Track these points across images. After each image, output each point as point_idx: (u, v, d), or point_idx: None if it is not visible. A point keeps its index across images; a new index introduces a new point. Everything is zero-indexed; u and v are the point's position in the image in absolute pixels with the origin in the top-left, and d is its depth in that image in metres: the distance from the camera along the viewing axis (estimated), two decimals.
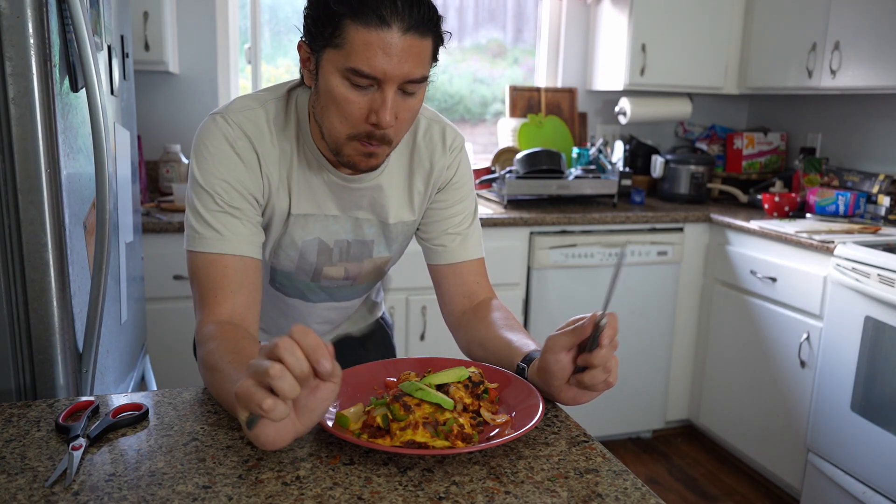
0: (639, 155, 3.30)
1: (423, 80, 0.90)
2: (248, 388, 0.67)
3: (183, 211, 2.38)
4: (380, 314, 1.43)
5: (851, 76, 2.59)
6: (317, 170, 1.04)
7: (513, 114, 3.22)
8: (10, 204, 1.05)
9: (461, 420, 0.82)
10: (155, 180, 2.78)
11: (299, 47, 0.95)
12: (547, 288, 2.71)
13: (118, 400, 0.93)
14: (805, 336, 2.42)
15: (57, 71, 1.08)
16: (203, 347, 0.91)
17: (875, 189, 2.75)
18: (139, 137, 2.49)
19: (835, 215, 2.73)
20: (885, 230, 2.46)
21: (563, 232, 2.70)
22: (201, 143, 0.99)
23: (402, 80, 0.88)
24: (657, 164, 3.11)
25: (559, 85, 3.31)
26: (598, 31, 3.19)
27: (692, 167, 3.09)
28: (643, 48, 2.97)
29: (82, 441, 0.79)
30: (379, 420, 0.81)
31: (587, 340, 0.86)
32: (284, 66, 3.06)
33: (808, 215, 2.76)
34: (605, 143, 3.14)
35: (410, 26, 0.86)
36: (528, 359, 0.96)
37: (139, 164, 2.34)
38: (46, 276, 1.08)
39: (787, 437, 2.53)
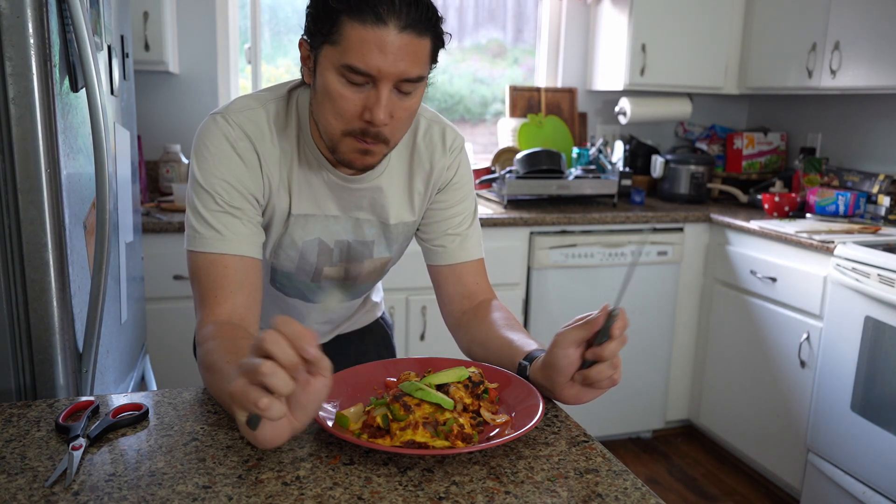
0: (639, 155, 3.30)
1: (420, 79, 0.90)
2: (242, 387, 0.67)
3: (183, 211, 2.38)
4: (380, 314, 1.43)
5: (851, 76, 2.59)
6: (317, 170, 1.04)
7: (513, 114, 3.22)
8: (10, 204, 1.05)
9: (461, 420, 0.82)
10: (155, 180, 2.78)
11: (300, 45, 0.95)
12: (547, 288, 2.71)
13: (118, 400, 0.93)
14: (805, 336, 2.42)
15: (57, 71, 1.08)
16: (202, 347, 0.91)
17: (875, 189, 2.75)
18: (139, 137, 2.49)
19: (835, 215, 2.73)
20: (885, 230, 2.46)
21: (563, 232, 2.70)
22: (202, 142, 0.99)
23: (397, 79, 0.88)
24: (657, 164, 3.11)
25: (559, 85, 3.31)
26: (598, 31, 3.19)
27: (692, 167, 3.09)
28: (643, 48, 2.97)
29: (82, 441, 0.79)
30: (379, 420, 0.81)
31: (595, 336, 0.85)
32: (284, 66, 3.06)
33: (808, 215, 2.76)
34: (605, 143, 3.14)
35: (407, 25, 0.86)
36: (529, 357, 0.96)
37: (139, 164, 2.34)
38: (46, 276, 1.08)
39: (787, 437, 2.53)
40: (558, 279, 2.72)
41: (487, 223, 2.57)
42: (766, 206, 2.83)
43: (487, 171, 3.05)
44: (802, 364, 2.45)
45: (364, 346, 1.39)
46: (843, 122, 3.06)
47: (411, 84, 0.90)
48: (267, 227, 1.06)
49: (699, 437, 3.06)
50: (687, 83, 3.10)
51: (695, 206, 3.02)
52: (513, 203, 2.85)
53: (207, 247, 0.97)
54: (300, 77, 1.01)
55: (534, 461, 0.80)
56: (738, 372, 2.76)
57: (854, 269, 2.18)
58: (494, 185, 2.90)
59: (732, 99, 3.53)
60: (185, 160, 2.68)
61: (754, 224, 2.62)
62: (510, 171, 2.86)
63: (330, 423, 0.83)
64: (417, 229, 1.17)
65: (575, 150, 3.16)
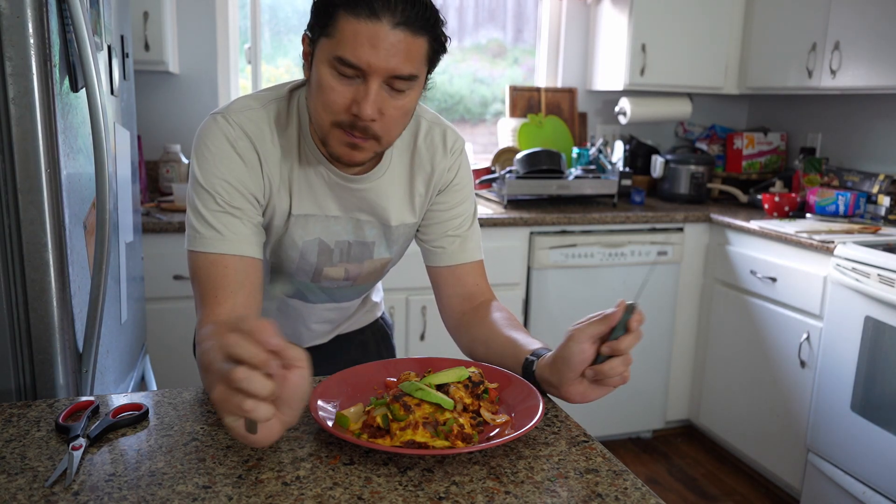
0: (639, 155, 3.30)
1: (411, 78, 0.90)
2: (222, 394, 0.67)
3: (183, 211, 2.38)
4: (380, 314, 1.43)
5: (851, 76, 2.59)
6: (318, 170, 1.04)
7: (513, 114, 3.22)
8: (10, 204, 1.05)
9: (461, 420, 0.82)
10: (155, 180, 2.78)
11: (303, 39, 0.95)
12: (547, 288, 2.72)
13: (118, 400, 0.93)
14: (805, 336, 2.42)
15: (57, 71, 1.08)
16: (201, 347, 0.91)
17: (875, 189, 2.75)
18: (139, 137, 2.49)
19: (835, 215, 2.73)
20: (885, 230, 2.46)
21: (563, 232, 2.70)
22: (202, 142, 0.99)
23: (387, 75, 0.88)
24: (657, 164, 3.11)
25: (559, 85, 3.31)
26: (598, 31, 3.19)
27: (692, 167, 3.09)
28: (643, 48, 2.97)
29: (82, 441, 0.79)
30: (379, 420, 0.81)
31: (609, 332, 0.86)
32: (284, 66, 3.06)
33: (808, 215, 2.76)
34: (605, 143, 3.14)
35: (401, 22, 0.86)
36: (536, 353, 0.96)
37: (139, 164, 2.34)
38: (46, 276, 1.08)
39: (787, 437, 2.53)
40: (558, 279, 2.72)
41: (487, 223, 2.57)
42: (766, 206, 2.83)
43: (487, 171, 3.05)
44: (802, 364, 2.44)
45: (364, 346, 1.39)
46: (843, 122, 3.06)
47: (404, 82, 0.90)
48: (267, 227, 1.06)
49: (699, 437, 3.06)
50: (687, 83, 3.10)
51: (695, 206, 3.02)
52: (513, 203, 2.85)
53: (208, 247, 0.97)
54: (301, 77, 1.02)
55: (534, 461, 0.80)
56: (738, 372, 2.76)
57: (854, 269, 2.18)
58: (494, 185, 2.90)
59: (732, 99, 3.53)
60: (185, 160, 2.68)
61: (754, 224, 2.62)
62: (510, 171, 2.86)
63: (330, 423, 0.83)
64: (417, 230, 1.17)
65: (575, 150, 3.16)
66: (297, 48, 3.04)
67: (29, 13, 1.01)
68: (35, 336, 1.10)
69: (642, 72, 2.99)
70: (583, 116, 3.35)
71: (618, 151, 3.09)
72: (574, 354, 0.87)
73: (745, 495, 2.64)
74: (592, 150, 3.10)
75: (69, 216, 1.12)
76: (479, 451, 0.81)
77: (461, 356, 1.09)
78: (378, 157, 1.07)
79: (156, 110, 2.79)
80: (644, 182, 3.24)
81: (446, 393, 0.87)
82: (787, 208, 2.79)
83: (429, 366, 0.98)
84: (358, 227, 1.10)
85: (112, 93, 1.46)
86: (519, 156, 2.89)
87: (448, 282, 1.15)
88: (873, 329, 2.14)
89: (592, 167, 3.02)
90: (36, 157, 1.04)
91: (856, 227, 2.52)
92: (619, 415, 2.94)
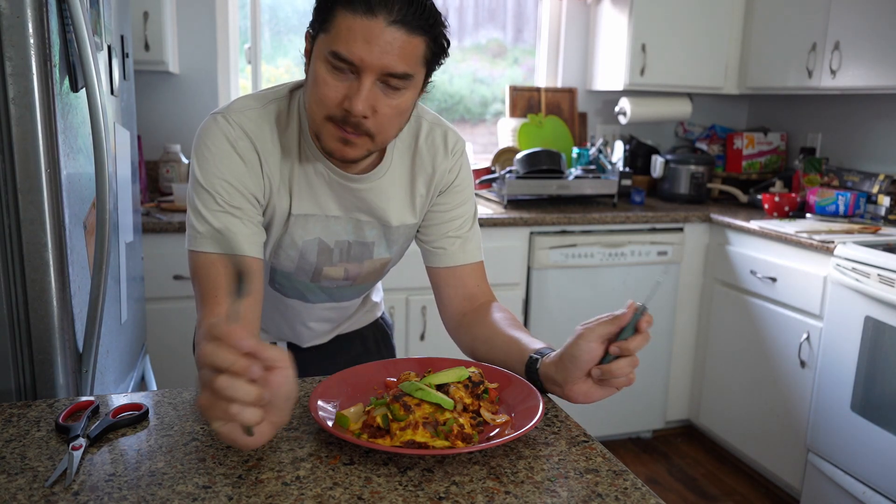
0: (639, 155, 3.30)
1: (406, 77, 0.90)
2: (207, 401, 0.67)
3: (183, 211, 2.39)
4: (379, 314, 1.43)
5: (851, 76, 2.59)
6: (318, 170, 1.04)
7: (513, 114, 3.22)
8: (10, 204, 1.05)
9: (461, 420, 0.82)
10: (155, 180, 2.78)
11: (305, 37, 0.95)
12: (547, 288, 2.72)
13: (118, 400, 0.93)
14: (805, 336, 2.42)
15: (57, 71, 1.08)
16: (200, 347, 0.91)
17: (875, 189, 2.75)
18: (139, 137, 2.49)
19: (835, 215, 2.73)
20: (885, 230, 2.46)
21: (563, 232, 2.70)
22: (202, 142, 0.99)
23: (380, 72, 0.88)
24: (657, 164, 3.11)
25: (559, 85, 3.31)
26: (598, 31, 3.19)
27: (692, 167, 3.09)
28: (643, 48, 2.97)
29: (82, 441, 0.79)
30: (379, 420, 0.81)
31: (618, 333, 0.86)
32: (284, 66, 3.06)
33: (808, 215, 2.76)
34: (605, 143, 3.14)
35: (397, 20, 0.86)
36: (540, 352, 0.96)
37: (139, 164, 2.34)
38: (46, 276, 1.08)
39: (787, 437, 2.53)
40: (558, 279, 2.72)
41: (487, 223, 2.57)
42: (766, 206, 2.83)
43: (487, 171, 3.05)
44: (802, 364, 2.44)
45: (364, 346, 1.39)
46: (843, 122, 3.06)
47: (398, 81, 0.90)
48: (267, 227, 1.07)
49: (699, 437, 3.06)
50: (687, 83, 3.10)
51: (695, 206, 3.02)
52: (513, 203, 2.85)
53: (207, 246, 0.97)
54: (301, 78, 1.02)
55: (534, 461, 0.80)
56: (738, 372, 2.76)
57: (854, 269, 2.18)
58: (494, 185, 2.90)
59: (732, 99, 3.53)
60: (185, 160, 2.68)
61: (754, 224, 2.62)
62: (510, 171, 2.86)
63: (330, 423, 0.83)
64: (417, 231, 1.17)
65: (575, 150, 3.16)
66: (297, 48, 3.04)
67: (29, 13, 1.01)
68: (35, 336, 1.10)
69: (642, 72, 2.99)
70: (583, 116, 3.35)
71: (618, 151, 3.09)
72: (583, 353, 0.87)
73: (745, 495, 2.64)
74: (592, 150, 3.10)
75: (69, 216, 1.12)
76: (479, 451, 0.81)
77: (461, 356, 1.09)
78: (379, 158, 1.07)
79: (156, 110, 2.79)
80: (644, 182, 3.24)
81: (446, 393, 0.87)
82: (787, 208, 2.79)
83: (429, 366, 0.98)
84: (358, 227, 1.10)
85: (112, 93, 1.46)
86: (519, 156, 2.89)
87: (449, 283, 1.15)
88: (873, 329, 2.14)
89: (592, 167, 3.02)
90: (36, 157, 1.04)
91: (856, 227, 2.52)
92: (619, 415, 2.94)
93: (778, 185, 3.11)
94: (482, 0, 3.27)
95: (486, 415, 0.88)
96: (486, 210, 2.69)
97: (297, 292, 1.19)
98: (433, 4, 0.90)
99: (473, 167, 2.97)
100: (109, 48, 1.43)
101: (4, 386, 1.11)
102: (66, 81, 1.14)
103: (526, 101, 3.24)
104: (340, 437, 0.78)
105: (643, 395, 2.94)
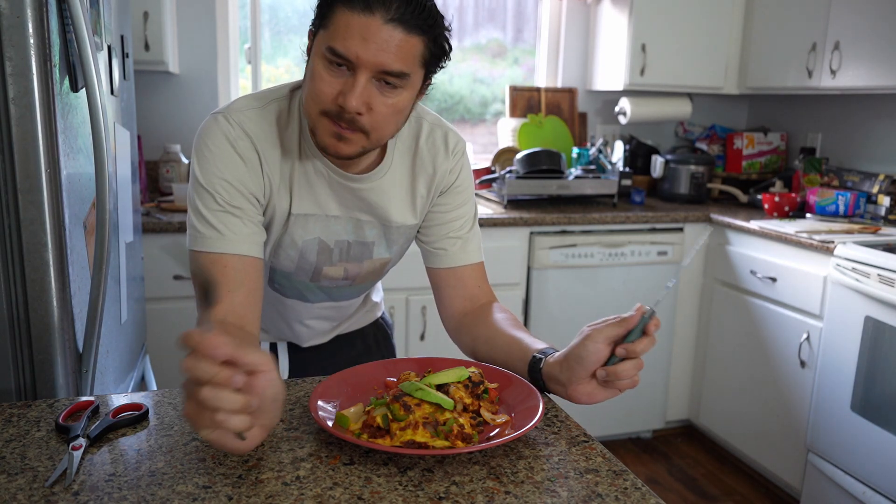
0: (639, 155, 3.30)
1: (402, 76, 0.90)
2: (193, 410, 0.67)
3: (183, 211, 2.39)
4: (379, 314, 1.43)
5: (851, 76, 2.59)
6: (319, 169, 1.04)
7: (513, 114, 3.22)
8: (10, 204, 1.05)
9: (461, 420, 0.82)
10: (155, 180, 2.78)
11: (308, 34, 0.96)
12: (547, 288, 2.71)
13: (118, 400, 0.93)
14: (805, 336, 2.42)
15: (57, 71, 1.08)
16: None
17: (875, 189, 2.75)
18: (139, 137, 2.49)
19: (835, 215, 2.73)
20: (885, 230, 2.46)
21: (563, 232, 2.70)
22: (202, 142, 0.99)
23: (376, 69, 0.88)
24: (657, 164, 3.11)
25: (559, 85, 3.31)
26: (598, 31, 3.19)
27: (692, 167, 3.09)
28: (643, 48, 2.97)
29: (82, 441, 0.79)
30: (379, 420, 0.81)
31: (625, 334, 0.87)
32: (284, 66, 3.06)
33: (808, 215, 2.76)
34: (605, 143, 3.14)
35: (395, 18, 0.86)
36: (542, 352, 0.96)
37: (139, 164, 2.34)
38: (46, 276, 1.08)
39: (787, 437, 2.53)
40: (558, 279, 2.72)
41: (487, 223, 2.57)
42: (766, 206, 2.83)
43: (487, 171, 3.05)
44: (802, 364, 2.45)
45: (364, 346, 1.39)
46: (843, 122, 3.06)
47: (394, 79, 0.90)
48: (267, 227, 1.07)
49: (699, 437, 3.06)
50: (687, 83, 3.10)
51: (695, 206, 3.02)
52: (513, 203, 2.85)
53: (208, 246, 0.97)
54: (301, 77, 1.02)
55: (534, 461, 0.80)
56: (738, 372, 2.76)
57: (854, 269, 2.18)
58: (494, 185, 2.90)
59: (732, 99, 3.53)
60: (185, 160, 2.68)
61: (754, 224, 2.62)
62: (510, 171, 2.86)
63: (330, 423, 0.83)
64: (418, 232, 1.17)
65: (575, 150, 3.16)
66: (297, 48, 3.04)
67: (29, 13, 1.01)
68: (35, 336, 1.10)
69: (642, 72, 2.99)
70: (583, 116, 3.35)
71: (618, 151, 3.09)
72: (590, 353, 0.87)
73: (745, 495, 2.64)
74: (592, 150, 3.10)
75: (69, 216, 1.12)
76: (479, 451, 0.81)
77: (461, 356, 1.09)
78: (379, 158, 1.07)
79: (156, 110, 2.79)
80: (644, 182, 3.24)
81: (446, 393, 0.87)
82: (787, 208, 2.79)
83: (429, 366, 0.98)
84: (358, 227, 1.10)
85: (112, 93, 1.46)
86: (519, 156, 2.89)
87: (449, 283, 1.15)
88: (873, 329, 2.14)
89: (592, 167, 3.02)
90: (36, 157, 1.04)
91: (856, 227, 2.52)
92: (619, 415, 2.94)
93: (778, 185, 3.11)
94: (482, 0, 3.27)
95: (486, 415, 0.88)
96: (486, 210, 2.69)
97: (297, 292, 1.19)
98: (434, 6, 0.90)
99: (473, 167, 2.97)
100: (109, 48, 1.43)
101: (4, 386, 1.11)
102: (66, 81, 1.14)
103: (526, 101, 3.24)
104: (340, 437, 0.78)
105: (643, 395, 2.94)
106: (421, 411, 0.81)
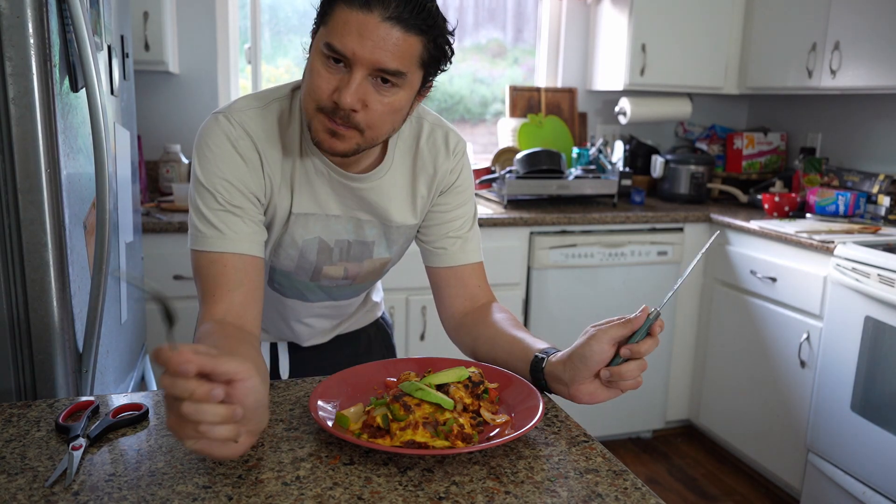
0: (639, 155, 3.30)
1: (398, 74, 0.90)
2: (174, 423, 0.66)
3: (183, 211, 2.39)
4: (380, 314, 1.43)
5: (851, 76, 2.59)
6: (319, 169, 1.04)
7: (513, 114, 3.22)
8: (10, 204, 1.05)
9: (461, 420, 0.82)
10: (155, 180, 2.78)
11: (311, 34, 0.96)
12: (547, 288, 2.71)
13: (118, 400, 0.93)
14: (805, 336, 2.42)
15: (57, 71, 1.08)
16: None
17: (875, 189, 2.75)
18: (139, 137, 2.49)
19: (835, 215, 2.73)
20: (885, 230, 2.46)
21: (563, 232, 2.70)
22: (203, 142, 0.99)
23: (372, 67, 0.88)
24: (657, 164, 3.11)
25: (559, 85, 3.31)
26: (598, 31, 3.19)
27: (692, 167, 3.09)
28: (643, 48, 2.97)
29: (82, 441, 0.79)
30: (379, 420, 0.81)
31: (629, 335, 0.87)
32: (284, 66, 3.06)
33: (808, 215, 2.76)
34: (605, 143, 3.14)
35: (393, 17, 0.86)
36: (544, 352, 0.96)
37: (139, 164, 2.35)
38: (46, 276, 1.08)
39: (787, 437, 2.53)
40: (558, 279, 2.72)
41: (487, 223, 2.57)
42: (766, 206, 2.83)
43: (487, 171, 3.05)
44: (802, 364, 2.45)
45: (364, 346, 1.39)
46: (843, 122, 3.06)
47: (391, 77, 0.90)
48: (268, 226, 1.07)
49: (699, 437, 3.06)
50: (687, 83, 3.10)
51: (695, 206, 3.02)
52: (513, 203, 2.85)
53: (208, 245, 0.97)
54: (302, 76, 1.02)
55: (534, 461, 0.80)
56: (738, 372, 2.76)
57: (854, 269, 2.18)
58: (494, 185, 2.90)
59: (732, 99, 3.53)
60: (185, 160, 2.68)
61: (754, 224, 2.62)
62: (510, 171, 2.86)
63: (330, 423, 0.83)
64: (418, 231, 1.17)
65: (575, 150, 3.16)
66: (297, 48, 3.04)
67: (29, 13, 1.01)
68: (35, 336, 1.10)
69: (642, 72, 2.99)
70: (583, 116, 3.35)
71: (618, 151, 3.09)
72: (594, 354, 0.87)
73: (745, 495, 2.64)
74: (592, 150, 3.10)
75: (69, 216, 1.12)
76: (479, 451, 0.81)
77: (461, 356, 1.09)
78: (380, 157, 1.07)
79: (156, 110, 2.79)
80: (644, 182, 3.24)
81: (446, 393, 0.87)
82: (787, 208, 2.79)
83: (429, 366, 0.98)
84: (358, 227, 1.10)
85: (112, 93, 1.46)
86: (519, 156, 2.89)
87: (449, 283, 1.15)
88: (873, 329, 2.14)
89: (592, 167, 3.02)
90: (36, 157, 1.05)
91: (856, 227, 2.52)
92: (619, 415, 2.94)
93: (778, 185, 3.11)
94: (482, 0, 3.27)
95: (486, 415, 0.88)
96: (486, 210, 2.69)
97: (297, 292, 1.19)
98: (435, 7, 0.90)
99: (473, 167, 2.97)
100: (109, 48, 1.43)
101: (4, 386, 1.11)
102: (66, 81, 1.14)
103: (526, 101, 3.24)
104: (340, 437, 0.78)
105: (643, 395, 2.94)
106: (421, 411, 0.81)
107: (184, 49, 2.78)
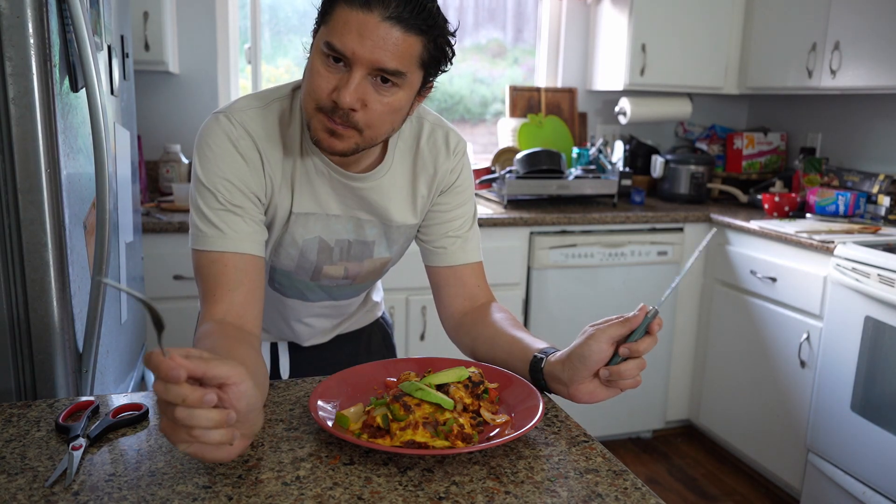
0: (639, 155, 3.30)
1: (398, 74, 0.90)
2: (167, 426, 0.66)
3: (183, 211, 2.39)
4: (380, 314, 1.43)
5: (851, 76, 2.59)
6: (320, 168, 1.04)
7: (513, 114, 3.22)
8: (10, 204, 1.05)
9: (461, 420, 0.82)
10: (155, 180, 2.78)
11: (313, 34, 0.96)
12: (547, 288, 2.71)
13: (118, 400, 0.93)
14: (805, 336, 2.42)
15: (57, 71, 1.08)
16: (195, 346, 0.91)
17: (875, 189, 2.75)
18: (139, 137, 2.49)
19: (835, 215, 2.73)
20: (885, 230, 2.46)
21: (563, 232, 2.70)
22: (204, 141, 0.99)
23: (371, 66, 0.88)
24: (657, 164, 3.11)
25: (559, 85, 3.31)
26: (598, 31, 3.19)
27: (692, 167, 3.09)
28: (643, 48, 2.97)
29: (82, 441, 0.79)
30: (379, 420, 0.81)
31: (628, 334, 0.87)
32: (284, 66, 3.06)
33: (808, 215, 2.76)
34: (605, 143, 3.14)
35: (392, 16, 0.86)
36: (543, 352, 0.96)
37: (139, 164, 2.34)
38: (46, 276, 1.08)
39: (787, 437, 2.53)
40: (558, 279, 2.72)
41: (487, 223, 2.57)
42: (766, 206, 2.83)
43: (487, 171, 3.05)
44: (802, 364, 2.45)
45: (364, 345, 1.39)
46: (843, 122, 3.06)
47: (391, 77, 0.90)
48: (269, 226, 1.07)
49: (699, 437, 3.06)
50: (687, 83, 3.10)
51: (695, 206, 3.02)
52: (513, 203, 2.85)
53: (209, 245, 0.97)
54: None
55: (534, 461, 0.80)
56: (738, 372, 2.76)
57: (854, 269, 2.18)
58: (494, 185, 2.90)
59: (732, 99, 3.53)
60: (185, 160, 2.68)
61: (754, 224, 2.62)
62: (510, 171, 2.86)
63: (330, 423, 0.83)
64: (418, 231, 1.17)
65: (575, 150, 3.16)
66: (298, 48, 3.04)
67: (29, 13, 1.01)
68: (35, 336, 1.10)
69: (642, 72, 2.99)
70: (583, 116, 3.35)
71: (618, 151, 3.09)
72: (593, 353, 0.87)
73: (745, 495, 2.64)
74: (592, 150, 3.10)
75: (69, 216, 1.12)
76: (479, 451, 0.81)
77: (461, 356, 1.09)
78: (380, 157, 1.07)
79: (156, 110, 2.79)
80: (644, 182, 3.24)
81: (446, 393, 0.87)
82: (787, 208, 2.79)
83: (429, 366, 0.98)
84: (358, 226, 1.10)
85: (112, 93, 1.46)
86: (519, 156, 2.89)
87: (449, 282, 1.15)
88: (873, 329, 2.14)
89: (592, 167, 3.02)
90: (36, 157, 1.05)
91: (856, 227, 2.52)
92: (619, 415, 2.94)
93: (778, 185, 3.11)
94: (482, 0, 3.27)
95: (486, 415, 0.88)
96: (486, 210, 2.69)
97: (297, 291, 1.19)
98: (436, 8, 0.90)
99: (473, 167, 2.97)
100: (109, 48, 1.43)
101: (4, 386, 1.11)
102: (66, 81, 1.14)
103: (526, 101, 3.24)
104: (340, 437, 0.78)
105: (643, 395, 2.94)
106: (421, 411, 0.81)
107: (184, 49, 2.78)
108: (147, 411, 0.88)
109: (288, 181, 1.04)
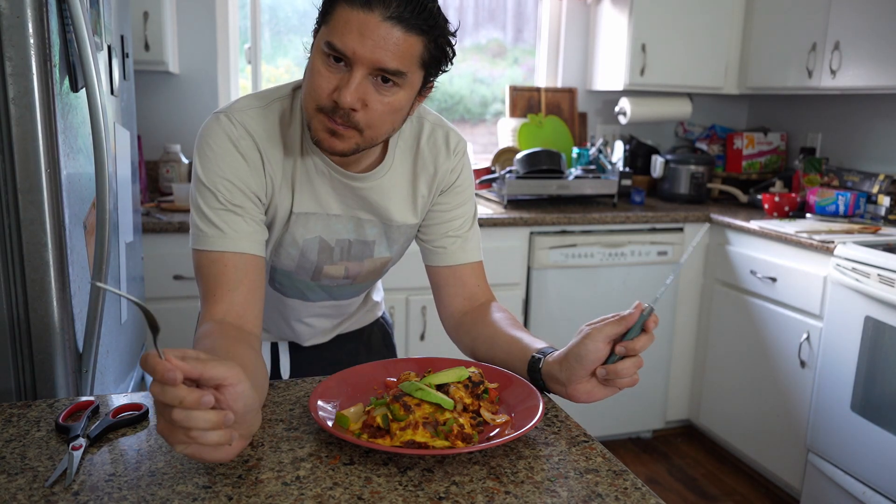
0: (639, 155, 3.30)
1: (398, 74, 0.90)
2: (164, 428, 0.66)
3: (183, 211, 2.39)
4: (380, 314, 1.43)
5: (851, 76, 2.59)
6: (320, 168, 1.04)
7: (513, 114, 3.22)
8: (10, 204, 1.05)
9: (461, 420, 0.82)
10: (155, 180, 2.78)
11: (313, 33, 0.96)
12: (547, 288, 2.72)
13: (118, 400, 0.93)
14: (805, 336, 2.42)
15: (57, 71, 1.08)
16: (195, 346, 0.91)
17: (875, 189, 2.75)
18: (139, 137, 2.49)
19: (835, 215, 2.73)
20: (885, 230, 2.46)
21: (563, 232, 2.70)
22: (204, 141, 0.99)
23: (372, 66, 0.88)
24: (657, 164, 3.11)
25: (559, 85, 3.31)
26: (598, 31, 3.19)
27: (692, 167, 3.09)
28: (643, 48, 2.97)
29: (82, 441, 0.79)
30: (379, 420, 0.81)
31: (624, 332, 0.87)
32: (284, 66, 3.06)
33: (808, 215, 2.76)
34: (605, 143, 3.14)
35: (393, 16, 0.86)
36: (542, 351, 0.96)
37: (139, 164, 2.34)
38: (46, 276, 1.08)
39: (787, 437, 2.53)
40: (558, 279, 2.72)
41: (487, 223, 2.57)
42: (766, 206, 2.83)
43: (487, 171, 3.05)
44: (802, 364, 2.45)
45: (364, 345, 1.39)
46: (843, 122, 3.06)
47: (391, 77, 0.90)
48: (269, 226, 1.07)
49: (699, 437, 3.06)
50: (687, 83, 3.10)
51: (695, 206, 3.02)
52: (513, 203, 2.85)
53: (209, 244, 0.97)
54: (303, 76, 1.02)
55: (534, 461, 0.80)
56: (738, 372, 2.76)
57: (854, 269, 2.18)
58: (494, 185, 2.90)
59: (732, 99, 3.53)
60: (185, 160, 2.68)
61: (754, 224, 2.62)
62: (510, 171, 2.86)
63: (330, 423, 0.83)
64: (418, 231, 1.17)
65: (575, 150, 3.16)
66: (298, 48, 3.04)
67: (29, 13, 1.01)
68: (35, 336, 1.10)
69: (642, 72, 2.99)
70: (583, 116, 3.35)
71: (618, 151, 3.09)
72: (589, 352, 0.87)
73: (745, 495, 2.64)
74: (592, 150, 3.10)
75: (69, 216, 1.13)
76: (479, 451, 0.81)
77: (461, 356, 1.09)
78: (380, 157, 1.07)
79: (156, 110, 2.79)
80: (644, 182, 3.24)
81: (446, 393, 0.87)
82: (787, 208, 2.79)
83: (429, 366, 0.98)
84: (359, 226, 1.10)
85: (112, 93, 1.46)
86: (519, 156, 2.89)
87: (449, 282, 1.15)
88: (873, 329, 2.14)
89: (592, 167, 3.02)
90: (36, 157, 1.05)
91: (856, 227, 2.52)
92: (619, 415, 2.94)
93: (778, 185, 3.11)
94: (482, 0, 3.27)
95: (486, 415, 0.88)
96: (486, 210, 2.69)
97: (298, 291, 1.19)
98: (437, 8, 0.90)
99: (473, 167, 2.97)
100: (109, 48, 1.43)
101: (4, 386, 1.11)
102: (66, 81, 1.14)
103: (526, 101, 3.24)
104: (340, 437, 0.78)
105: (643, 395, 2.94)
106: (421, 411, 0.81)
107: (184, 49, 2.78)
108: (147, 411, 0.88)
109: (288, 181, 1.04)
